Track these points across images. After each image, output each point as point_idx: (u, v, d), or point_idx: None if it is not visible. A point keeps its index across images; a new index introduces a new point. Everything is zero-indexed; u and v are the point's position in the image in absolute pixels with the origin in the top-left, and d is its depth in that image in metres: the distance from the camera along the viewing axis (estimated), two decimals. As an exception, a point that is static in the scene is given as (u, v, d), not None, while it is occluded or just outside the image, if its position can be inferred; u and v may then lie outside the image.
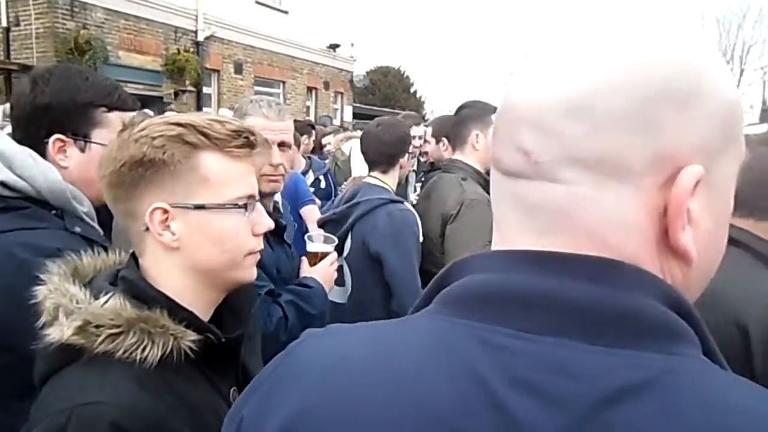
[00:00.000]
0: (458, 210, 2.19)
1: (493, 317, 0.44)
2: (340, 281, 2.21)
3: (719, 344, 1.28)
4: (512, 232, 0.49)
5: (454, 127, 2.47)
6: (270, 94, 13.39)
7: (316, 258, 1.78)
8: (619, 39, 0.46)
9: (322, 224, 2.42)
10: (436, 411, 0.42)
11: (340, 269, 2.13)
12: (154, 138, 0.85)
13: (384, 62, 24.94)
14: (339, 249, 2.16)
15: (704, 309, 1.36)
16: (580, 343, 0.42)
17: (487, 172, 2.48)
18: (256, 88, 12.69)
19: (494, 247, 0.51)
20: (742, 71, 34.28)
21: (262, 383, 0.52)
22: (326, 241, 1.85)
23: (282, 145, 1.69)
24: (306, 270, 1.75)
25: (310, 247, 1.80)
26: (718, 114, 0.46)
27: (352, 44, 16.03)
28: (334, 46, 14.99)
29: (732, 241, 1.35)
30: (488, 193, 2.29)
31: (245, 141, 0.91)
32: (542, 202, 0.47)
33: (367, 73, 21.50)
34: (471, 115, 2.38)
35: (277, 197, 1.84)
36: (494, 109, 2.47)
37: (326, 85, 15.20)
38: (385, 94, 26.26)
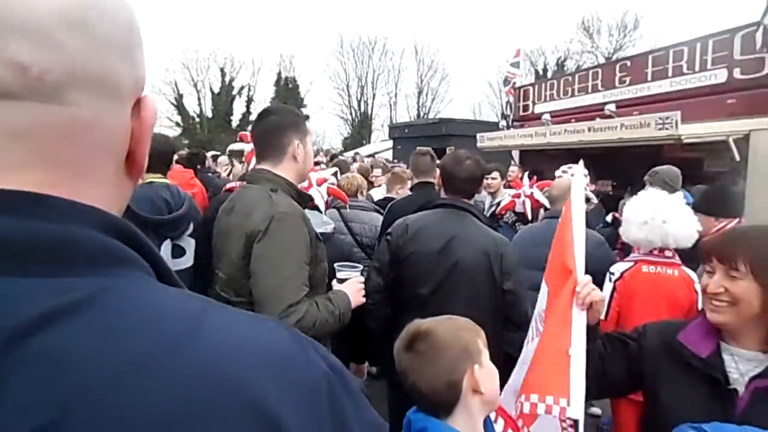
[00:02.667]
0: (267, 225, 1.91)
1: None
2: None
3: (476, 265, 2.54)
4: None
5: (266, 136, 2.16)
6: None
7: None
8: None
9: None
10: None
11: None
12: None
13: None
14: None
15: (457, 247, 2.56)
16: (4, 278, 0.40)
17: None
18: None
19: None
20: (374, 95, 40.73)
21: None
22: None
23: None
24: None
25: None
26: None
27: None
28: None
29: (461, 209, 2.66)
30: (302, 205, 2.04)
31: None
32: (36, 128, 0.43)
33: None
34: (288, 123, 2.15)
35: None
36: (306, 117, 2.26)
37: None
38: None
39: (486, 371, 1.37)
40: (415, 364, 1.36)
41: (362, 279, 2.22)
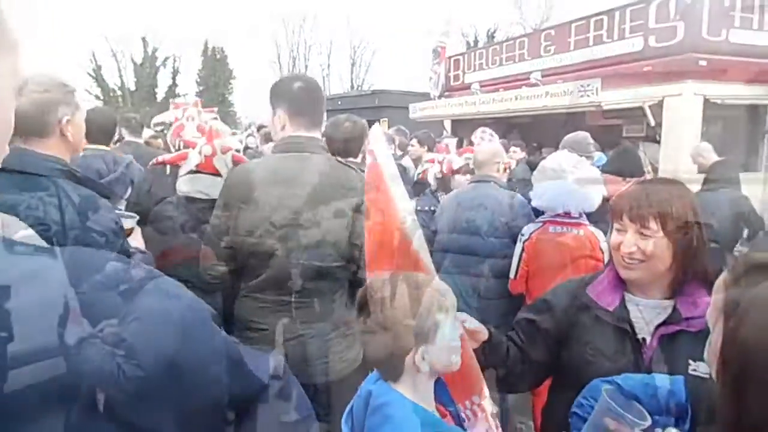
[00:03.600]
0: (362, 194, 1.94)
1: None
2: None
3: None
4: None
5: (316, 102, 2.07)
6: None
7: None
8: None
9: None
10: None
11: None
12: None
13: None
14: None
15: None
16: None
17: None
18: None
19: None
20: (306, 66, 39.77)
21: None
22: None
23: None
24: None
25: None
26: None
27: None
28: None
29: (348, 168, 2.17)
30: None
31: None
32: None
33: None
34: (319, 88, 2.13)
35: None
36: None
37: None
38: None
39: (438, 348, 1.28)
40: (362, 326, 1.31)
41: None
